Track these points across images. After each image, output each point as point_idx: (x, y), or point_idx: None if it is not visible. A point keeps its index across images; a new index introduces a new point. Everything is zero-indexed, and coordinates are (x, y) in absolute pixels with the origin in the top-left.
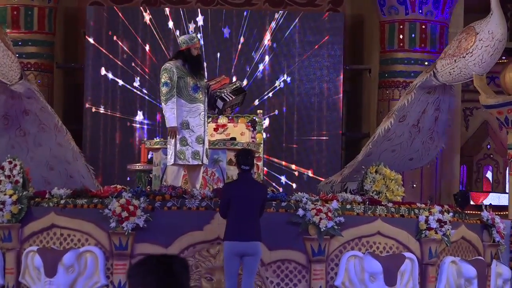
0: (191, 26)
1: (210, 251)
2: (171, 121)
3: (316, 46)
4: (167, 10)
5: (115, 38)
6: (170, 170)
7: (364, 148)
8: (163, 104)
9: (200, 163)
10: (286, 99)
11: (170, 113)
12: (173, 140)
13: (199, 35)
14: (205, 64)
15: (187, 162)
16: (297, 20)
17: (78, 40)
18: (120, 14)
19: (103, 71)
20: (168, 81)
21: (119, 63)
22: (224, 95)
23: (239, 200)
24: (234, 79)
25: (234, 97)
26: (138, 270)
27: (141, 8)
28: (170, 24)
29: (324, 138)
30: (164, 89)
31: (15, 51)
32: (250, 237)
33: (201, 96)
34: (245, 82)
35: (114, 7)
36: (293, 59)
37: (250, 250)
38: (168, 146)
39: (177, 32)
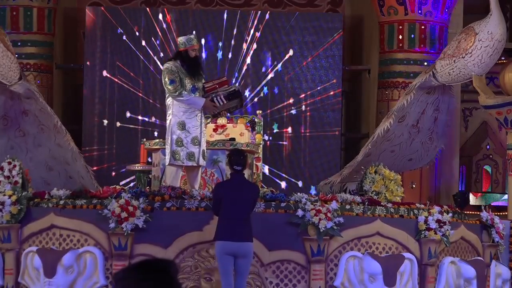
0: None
1: (209, 252)
2: (197, 103)
3: (315, 47)
4: (166, 10)
5: (114, 38)
6: (169, 170)
7: (363, 148)
8: (178, 99)
9: (195, 164)
10: (285, 100)
11: (190, 98)
12: (170, 139)
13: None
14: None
15: (182, 163)
16: (296, 20)
17: (77, 41)
18: (119, 15)
19: (102, 72)
20: (173, 77)
21: (118, 63)
22: (217, 99)
23: (231, 200)
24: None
25: (227, 102)
26: (133, 274)
27: (140, 8)
28: (170, 24)
29: (324, 138)
30: (171, 87)
31: (14, 51)
32: (242, 237)
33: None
34: (244, 83)
35: (114, 7)
36: (293, 60)
37: (242, 251)
38: (166, 146)
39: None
